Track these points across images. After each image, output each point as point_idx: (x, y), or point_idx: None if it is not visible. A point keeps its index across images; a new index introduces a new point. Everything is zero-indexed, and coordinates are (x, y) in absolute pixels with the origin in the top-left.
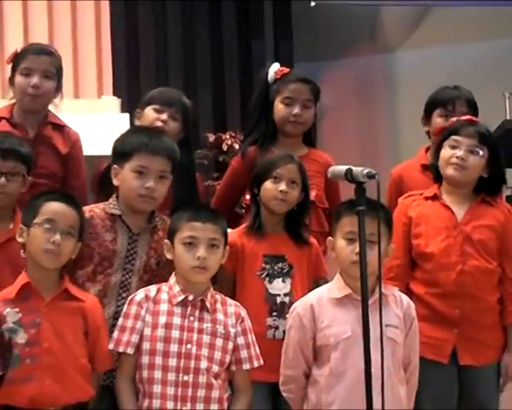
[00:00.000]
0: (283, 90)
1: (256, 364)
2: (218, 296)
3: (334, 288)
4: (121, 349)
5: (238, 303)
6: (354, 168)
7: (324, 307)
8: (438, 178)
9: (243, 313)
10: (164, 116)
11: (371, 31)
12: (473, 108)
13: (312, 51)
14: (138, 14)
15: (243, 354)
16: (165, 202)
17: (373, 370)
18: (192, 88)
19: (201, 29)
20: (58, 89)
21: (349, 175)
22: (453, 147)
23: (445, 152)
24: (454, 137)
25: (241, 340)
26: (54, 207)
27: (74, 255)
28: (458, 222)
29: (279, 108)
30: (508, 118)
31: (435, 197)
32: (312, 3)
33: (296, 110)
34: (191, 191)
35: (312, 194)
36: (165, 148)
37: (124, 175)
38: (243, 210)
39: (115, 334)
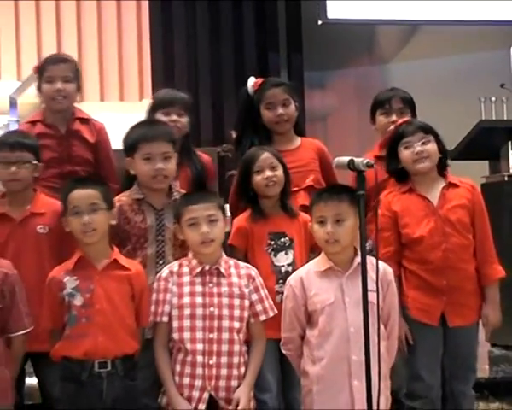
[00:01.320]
0: (263, 98)
1: (271, 314)
2: (231, 262)
3: (319, 262)
4: (158, 319)
5: (248, 265)
6: (356, 159)
7: (312, 278)
8: (403, 177)
9: (253, 272)
10: (173, 117)
11: (368, 46)
12: (408, 103)
13: (319, 62)
14: (173, 35)
15: (258, 307)
16: (186, 182)
17: (352, 329)
18: (218, 93)
19: (226, 44)
20: (78, 88)
21: (351, 165)
22: (407, 147)
23: (405, 154)
24: (404, 140)
25: (254, 296)
26: (74, 195)
27: (114, 221)
28: (435, 207)
29: (264, 113)
30: (483, 118)
31: (411, 190)
32: (319, 22)
33: (279, 111)
34: (200, 172)
35: (310, 178)
36: (161, 133)
37: (136, 164)
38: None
39: (152, 308)
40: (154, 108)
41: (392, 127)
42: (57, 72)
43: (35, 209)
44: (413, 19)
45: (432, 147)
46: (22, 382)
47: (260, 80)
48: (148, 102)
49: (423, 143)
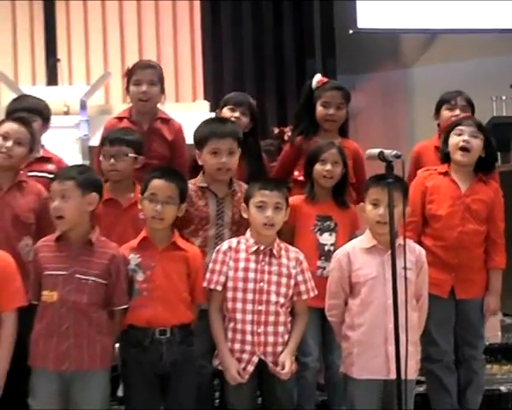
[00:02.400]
0: (322, 96)
1: (312, 294)
2: (283, 245)
3: (364, 240)
4: (212, 286)
5: (297, 250)
6: (385, 151)
7: (357, 254)
8: (445, 160)
9: (301, 257)
10: (236, 114)
11: (393, 52)
12: (470, 103)
13: (350, 67)
14: (222, 44)
15: (302, 287)
16: (241, 174)
17: (390, 301)
18: (261, 94)
19: (269, 50)
20: (161, 92)
21: (381, 156)
22: (459, 134)
23: (453, 139)
24: (459, 127)
25: (300, 277)
26: (155, 183)
27: (181, 214)
28: (462, 194)
29: (319, 109)
30: (495, 115)
31: (446, 173)
32: (350, 31)
33: (331, 111)
34: (259, 166)
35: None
36: (229, 131)
37: (204, 157)
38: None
39: (207, 275)
40: (224, 104)
41: (455, 117)
42: (144, 76)
43: (138, 198)
44: (433, 28)
45: (477, 143)
46: None
47: (325, 79)
48: (200, 102)
49: (473, 136)
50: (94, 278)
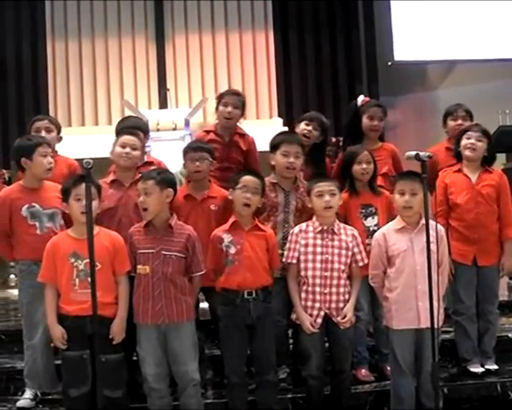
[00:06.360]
0: (367, 111)
1: (366, 261)
2: (341, 225)
3: (396, 223)
4: (289, 261)
5: (352, 228)
6: (420, 153)
7: (391, 233)
8: (457, 157)
9: (356, 233)
10: (309, 127)
11: (422, 78)
12: (469, 113)
13: (390, 90)
14: (291, 71)
15: (358, 257)
16: (307, 175)
17: (418, 267)
18: (321, 110)
19: (326, 78)
20: (242, 114)
21: (417, 156)
22: (468, 138)
23: (464, 142)
24: (468, 133)
25: (356, 249)
26: (246, 178)
27: (260, 205)
28: (473, 184)
29: (365, 121)
30: (501, 124)
31: (459, 170)
32: (389, 63)
33: (375, 123)
34: (322, 170)
35: (385, 168)
36: (296, 140)
37: (276, 158)
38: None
39: (285, 253)
40: (299, 120)
41: (468, 124)
42: (230, 100)
43: (210, 194)
44: (452, 58)
45: (482, 145)
46: (197, 306)
47: (368, 98)
48: (275, 119)
49: (478, 140)
50: (175, 253)
